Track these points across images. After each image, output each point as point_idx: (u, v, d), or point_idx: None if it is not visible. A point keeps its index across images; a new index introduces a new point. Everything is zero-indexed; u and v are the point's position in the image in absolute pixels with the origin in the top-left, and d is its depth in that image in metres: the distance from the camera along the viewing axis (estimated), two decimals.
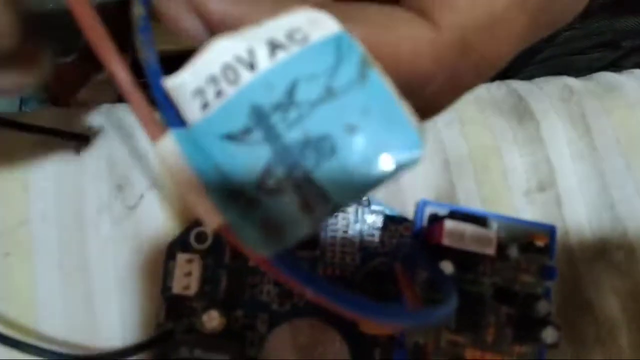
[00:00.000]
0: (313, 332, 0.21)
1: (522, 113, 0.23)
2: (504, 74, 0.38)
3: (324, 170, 0.08)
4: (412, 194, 0.22)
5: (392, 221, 0.21)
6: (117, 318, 0.21)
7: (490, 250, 0.16)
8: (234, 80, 0.08)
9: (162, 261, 0.21)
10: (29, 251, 0.21)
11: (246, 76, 0.08)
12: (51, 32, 0.13)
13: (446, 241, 0.16)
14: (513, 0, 0.10)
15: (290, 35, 0.08)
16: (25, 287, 0.21)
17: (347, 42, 0.08)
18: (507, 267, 0.18)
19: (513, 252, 0.16)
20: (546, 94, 0.24)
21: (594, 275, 0.21)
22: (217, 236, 0.21)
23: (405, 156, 0.08)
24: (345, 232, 0.21)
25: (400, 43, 0.10)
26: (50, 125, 0.21)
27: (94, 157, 0.22)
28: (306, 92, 0.08)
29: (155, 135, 0.08)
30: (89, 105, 0.24)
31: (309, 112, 0.08)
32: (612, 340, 0.21)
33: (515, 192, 0.22)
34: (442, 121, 0.23)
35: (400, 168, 0.08)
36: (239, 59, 0.08)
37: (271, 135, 0.08)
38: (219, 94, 0.08)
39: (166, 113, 0.08)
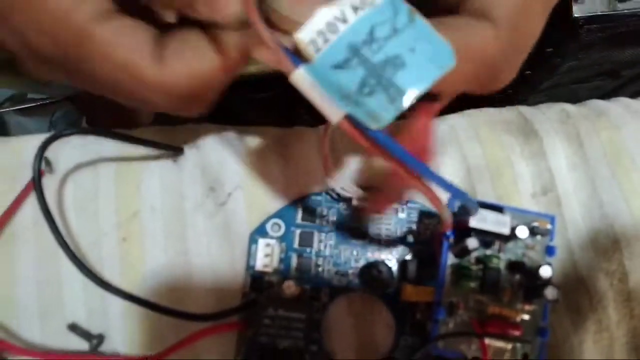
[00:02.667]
0: (364, 303, 0.27)
1: (528, 132, 0.29)
2: (514, 101, 0.45)
3: (400, 76, 0.14)
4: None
5: (426, 216, 0.27)
6: (210, 291, 0.26)
7: (506, 230, 0.22)
8: (335, 31, 0.15)
9: (246, 246, 0.27)
10: (140, 237, 0.27)
11: (342, 27, 0.15)
12: None
13: (473, 223, 0.22)
14: None
15: (363, 1, 0.15)
16: (138, 265, 0.27)
17: (398, 2, 0.15)
18: (517, 246, 0.23)
19: (523, 232, 0.22)
20: (547, 117, 0.30)
21: (587, 259, 0.27)
22: (289, 226, 0.27)
23: (446, 64, 0.15)
24: (389, 224, 0.27)
25: (471, 42, 0.16)
26: (154, 139, 0.27)
27: (189, 164, 0.28)
28: (381, 32, 0.15)
29: (290, 69, 0.15)
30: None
31: (385, 43, 0.15)
32: (603, 309, 0.26)
33: (524, 194, 0.28)
34: (464, 138, 0.29)
35: (445, 70, 0.15)
36: (336, 18, 0.15)
37: (363, 61, 0.15)
38: (326, 40, 0.15)
39: (293, 59, 0.15)
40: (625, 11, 0.51)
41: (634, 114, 0.30)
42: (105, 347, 0.26)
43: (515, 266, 0.23)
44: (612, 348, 0.26)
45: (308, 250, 0.27)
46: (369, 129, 0.15)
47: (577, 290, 0.26)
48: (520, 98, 0.61)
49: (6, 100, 0.73)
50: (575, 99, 0.34)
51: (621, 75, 0.71)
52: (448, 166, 0.28)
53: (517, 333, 0.22)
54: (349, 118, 0.15)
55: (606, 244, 0.27)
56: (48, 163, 0.28)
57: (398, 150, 0.15)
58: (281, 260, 0.27)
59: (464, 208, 0.23)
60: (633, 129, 0.29)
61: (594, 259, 0.27)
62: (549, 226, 0.23)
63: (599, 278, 0.26)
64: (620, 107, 0.31)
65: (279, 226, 0.27)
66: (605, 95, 0.77)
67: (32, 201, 0.27)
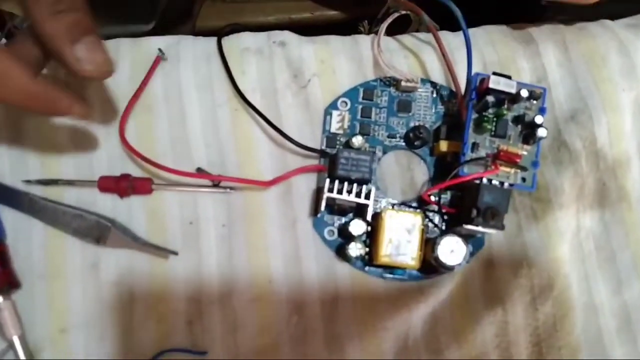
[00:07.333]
0: (407, 157, 0.37)
1: (528, 39, 0.39)
2: None
3: None
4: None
5: (451, 94, 0.37)
6: (298, 139, 0.37)
7: (513, 90, 0.32)
8: None
9: (321, 118, 0.37)
10: (246, 107, 0.37)
11: None
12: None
13: (491, 85, 0.32)
14: None
15: None
16: (246, 126, 0.37)
17: None
18: (520, 106, 0.33)
19: (525, 93, 0.32)
20: (542, 29, 0.40)
21: (567, 127, 0.37)
22: (353, 103, 0.37)
23: None
24: (427, 101, 0.37)
25: None
26: None
27: (277, 57, 0.38)
28: None
29: None
30: None
31: None
32: (577, 162, 0.36)
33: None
34: (482, 42, 0.39)
35: None
36: None
37: None
38: None
39: None
40: None
41: (606, 29, 0.40)
42: (223, 183, 0.36)
43: (518, 119, 0.33)
44: (583, 189, 0.37)
45: (367, 120, 0.37)
46: None
47: (560, 149, 0.37)
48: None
49: None
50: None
51: None
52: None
53: (518, 161, 0.32)
54: None
55: (582, 117, 0.37)
56: (162, 53, 0.37)
57: None
58: (348, 127, 0.37)
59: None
60: (606, 38, 0.39)
61: (572, 127, 0.37)
62: (541, 92, 0.33)
63: (576, 141, 0.37)
64: (598, 25, 0.41)
65: (346, 103, 0.37)
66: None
67: (159, 82, 0.37)
